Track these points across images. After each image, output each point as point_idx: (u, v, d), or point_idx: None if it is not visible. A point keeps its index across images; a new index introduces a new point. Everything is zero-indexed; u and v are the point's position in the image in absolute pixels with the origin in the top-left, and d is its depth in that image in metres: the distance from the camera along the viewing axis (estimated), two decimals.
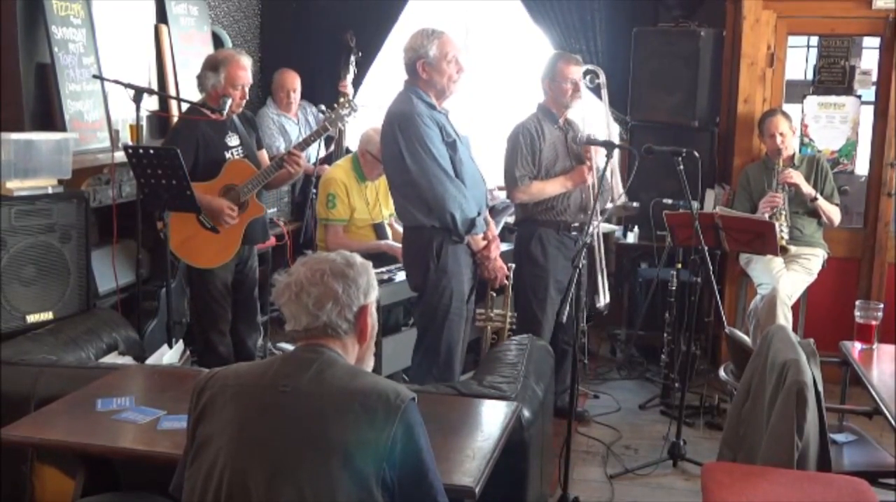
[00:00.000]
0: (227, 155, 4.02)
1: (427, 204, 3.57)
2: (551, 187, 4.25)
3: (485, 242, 3.76)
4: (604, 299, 4.46)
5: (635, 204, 4.54)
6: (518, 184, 4.22)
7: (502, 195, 5.23)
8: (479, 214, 3.69)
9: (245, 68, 3.99)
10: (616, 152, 4.19)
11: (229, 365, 2.02)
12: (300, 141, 4.31)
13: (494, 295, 3.94)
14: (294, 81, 5.72)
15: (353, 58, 5.77)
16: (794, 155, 4.85)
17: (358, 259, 1.99)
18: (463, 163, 3.68)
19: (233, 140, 4.07)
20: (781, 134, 4.73)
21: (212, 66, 3.98)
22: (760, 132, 4.90)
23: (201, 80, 4.00)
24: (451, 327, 3.72)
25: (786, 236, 4.59)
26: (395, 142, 3.60)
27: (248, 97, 4.08)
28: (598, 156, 4.29)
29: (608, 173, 4.20)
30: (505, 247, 4.40)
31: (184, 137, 3.94)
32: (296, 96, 5.73)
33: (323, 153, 5.65)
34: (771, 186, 4.72)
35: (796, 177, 4.67)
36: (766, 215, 4.58)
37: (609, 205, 4.55)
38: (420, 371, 3.76)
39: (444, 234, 3.63)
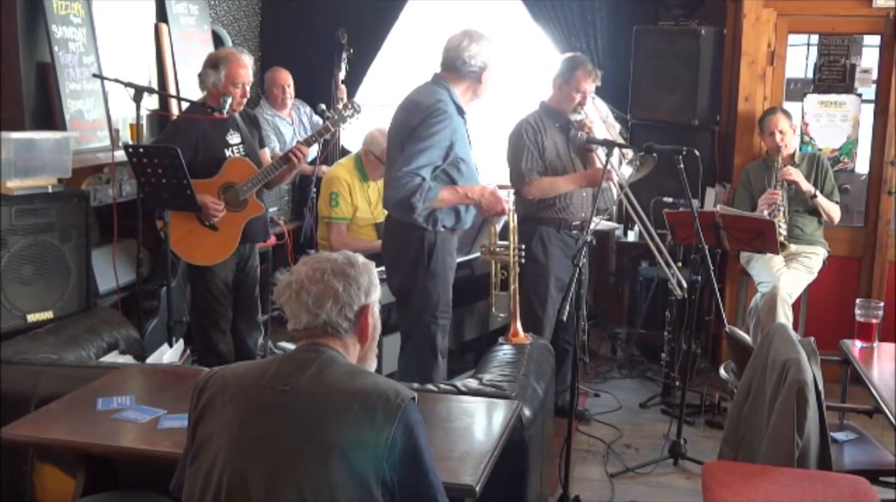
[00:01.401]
0: (228, 153, 4.02)
1: (390, 187, 3.55)
2: (564, 184, 4.22)
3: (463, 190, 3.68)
4: (678, 289, 3.96)
5: (654, 154, 4.23)
6: (526, 179, 4.20)
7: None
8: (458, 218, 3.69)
9: (246, 67, 3.99)
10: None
11: (229, 364, 2.02)
12: (305, 138, 4.31)
13: (496, 226, 3.79)
14: (288, 77, 5.70)
15: (344, 55, 5.75)
16: (794, 153, 4.85)
17: (360, 259, 1.99)
18: (463, 177, 3.66)
19: (234, 138, 4.07)
20: (781, 132, 4.73)
21: (213, 64, 3.98)
22: (761, 130, 4.90)
23: (202, 78, 4.01)
24: (438, 330, 3.70)
25: (784, 233, 4.58)
26: (412, 127, 3.54)
27: (248, 96, 4.08)
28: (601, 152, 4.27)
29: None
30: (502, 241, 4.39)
31: (182, 133, 3.95)
32: (290, 92, 5.72)
33: (319, 153, 5.64)
34: (771, 184, 4.72)
35: (795, 174, 4.67)
36: (766, 212, 4.58)
37: (611, 205, 4.51)
38: (407, 373, 3.72)
39: (435, 234, 3.62)
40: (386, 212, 4.66)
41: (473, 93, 3.70)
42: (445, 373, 3.81)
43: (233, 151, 4.04)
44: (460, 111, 3.65)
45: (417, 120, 3.53)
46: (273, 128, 5.63)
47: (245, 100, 4.06)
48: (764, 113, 4.89)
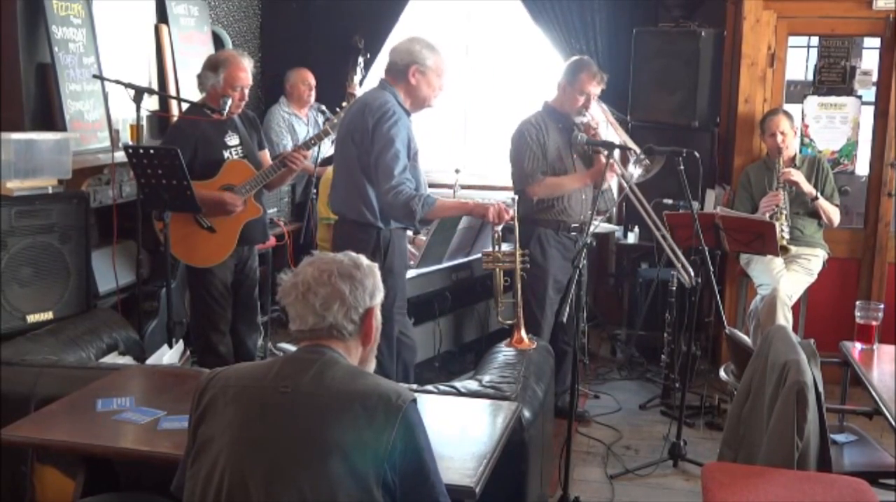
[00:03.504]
0: (227, 154, 4.02)
1: (388, 198, 3.53)
2: (569, 183, 4.23)
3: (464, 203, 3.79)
4: (686, 276, 3.90)
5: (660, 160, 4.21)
6: (530, 179, 4.21)
7: (501, 196, 5.22)
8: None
9: (245, 70, 4.00)
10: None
11: (231, 365, 2.02)
12: (305, 141, 4.32)
13: (499, 234, 3.72)
14: (311, 77, 5.77)
15: (361, 59, 5.79)
16: (794, 156, 4.85)
17: (364, 261, 1.99)
18: (419, 175, 3.68)
19: (232, 140, 4.07)
20: (782, 133, 4.73)
21: (212, 66, 3.98)
22: (762, 131, 4.90)
23: (201, 79, 4.01)
24: (393, 325, 3.68)
25: (786, 236, 4.58)
26: (364, 129, 3.57)
27: (247, 99, 4.08)
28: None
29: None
30: (504, 247, 4.39)
31: (182, 134, 3.95)
32: (312, 93, 5.76)
33: (326, 153, 5.65)
34: (772, 186, 4.72)
35: (796, 175, 4.66)
36: (767, 215, 4.58)
37: (610, 206, 4.49)
38: None
39: (389, 232, 3.62)
40: (335, 216, 4.62)
41: (407, 94, 3.67)
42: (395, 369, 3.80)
43: (231, 153, 4.05)
44: (406, 112, 3.66)
45: (371, 122, 3.55)
46: (287, 125, 5.65)
47: (244, 102, 4.07)
48: (765, 114, 4.89)
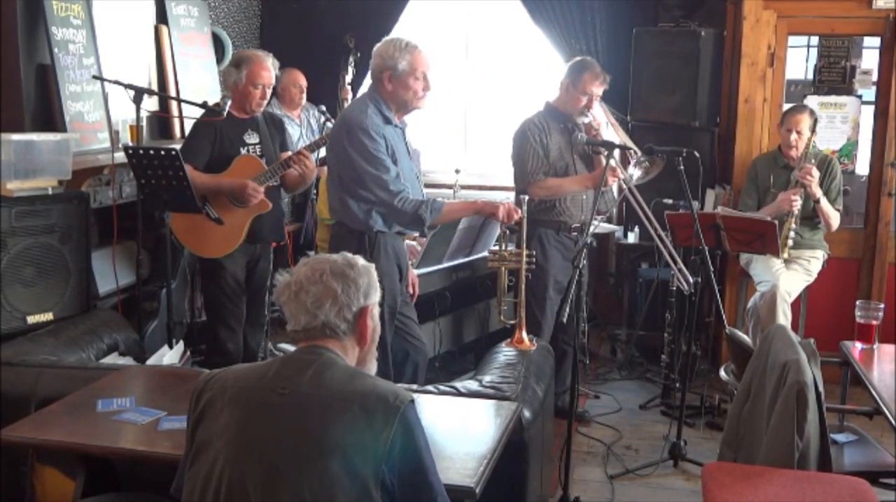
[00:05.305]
0: (243, 151, 4.04)
1: (394, 207, 3.50)
2: (570, 185, 4.22)
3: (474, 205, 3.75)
4: (685, 284, 3.94)
5: (662, 154, 4.19)
6: (530, 179, 4.20)
7: (500, 196, 5.22)
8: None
9: (268, 69, 4.03)
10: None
11: (229, 366, 2.02)
12: (307, 144, 4.32)
13: (508, 232, 3.69)
14: (303, 79, 5.74)
15: (351, 59, 5.78)
16: (803, 156, 4.74)
17: (360, 261, 1.99)
18: (412, 179, 3.64)
19: (252, 138, 4.08)
20: (799, 132, 4.62)
21: (235, 63, 4.04)
22: (781, 123, 4.77)
23: (224, 76, 4.10)
24: (385, 327, 3.67)
25: (790, 243, 4.49)
26: (341, 142, 3.54)
27: (268, 98, 4.10)
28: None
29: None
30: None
31: (202, 133, 3.99)
32: (303, 95, 5.76)
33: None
34: (777, 182, 4.68)
35: (814, 175, 4.53)
36: (774, 215, 4.50)
37: (610, 207, 4.48)
38: None
39: (375, 234, 3.56)
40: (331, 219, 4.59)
41: (388, 100, 3.57)
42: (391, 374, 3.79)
43: (248, 151, 4.06)
44: (388, 120, 3.57)
45: (344, 135, 3.52)
46: None
47: (265, 101, 4.08)
48: (791, 107, 4.78)
